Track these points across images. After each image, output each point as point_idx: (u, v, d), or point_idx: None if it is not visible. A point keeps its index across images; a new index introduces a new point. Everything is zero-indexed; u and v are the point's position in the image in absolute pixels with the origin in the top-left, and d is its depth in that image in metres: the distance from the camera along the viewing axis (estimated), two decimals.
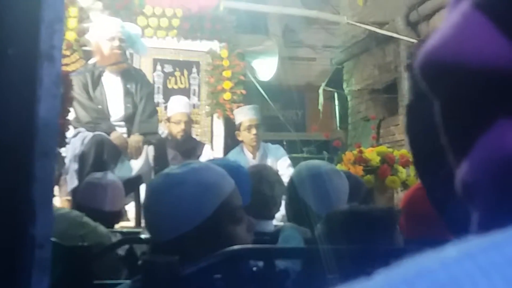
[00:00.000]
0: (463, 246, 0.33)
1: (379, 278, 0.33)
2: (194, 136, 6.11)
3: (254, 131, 5.41)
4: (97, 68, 4.84)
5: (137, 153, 4.67)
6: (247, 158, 5.41)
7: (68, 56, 6.13)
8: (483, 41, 0.40)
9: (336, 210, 1.94)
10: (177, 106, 5.21)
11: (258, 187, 2.95)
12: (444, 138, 0.44)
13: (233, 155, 5.47)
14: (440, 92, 0.43)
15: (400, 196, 4.87)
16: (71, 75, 4.45)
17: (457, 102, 0.42)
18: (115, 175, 3.52)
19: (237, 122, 5.58)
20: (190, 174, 1.74)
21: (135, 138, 4.68)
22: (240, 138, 5.55)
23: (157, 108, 6.28)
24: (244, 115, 5.49)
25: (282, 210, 3.20)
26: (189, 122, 5.21)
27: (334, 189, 2.68)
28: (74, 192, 4.37)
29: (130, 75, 4.93)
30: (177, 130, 5.10)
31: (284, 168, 5.22)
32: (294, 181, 2.74)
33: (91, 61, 5.12)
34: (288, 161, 5.50)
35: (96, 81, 4.79)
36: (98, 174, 3.33)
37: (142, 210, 1.93)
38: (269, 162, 5.33)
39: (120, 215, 3.30)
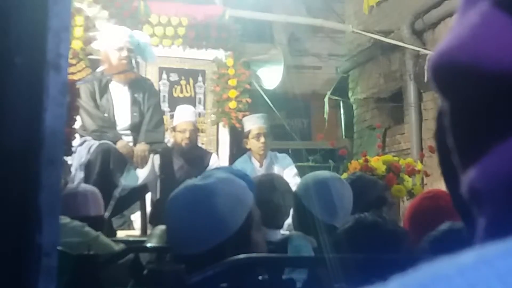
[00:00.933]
0: (479, 252, 0.33)
1: (394, 283, 0.33)
2: (200, 145, 6.11)
3: (262, 139, 5.43)
4: (104, 76, 4.85)
5: (142, 162, 4.67)
6: (254, 166, 5.42)
7: (74, 65, 6.14)
8: (505, 42, 0.39)
9: (359, 222, 1.93)
10: (182, 115, 5.22)
11: (269, 196, 2.96)
12: (451, 140, 0.44)
13: (240, 163, 5.47)
14: (453, 94, 0.43)
15: (406, 205, 4.86)
16: (77, 83, 4.46)
17: (471, 106, 0.41)
18: (88, 185, 3.55)
19: (245, 130, 5.59)
20: (219, 185, 1.76)
21: (141, 147, 4.68)
22: (248, 146, 5.55)
23: (164, 117, 6.31)
24: (253, 123, 5.50)
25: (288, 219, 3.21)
26: (195, 130, 5.22)
27: (338, 198, 2.69)
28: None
29: (138, 84, 4.94)
30: (182, 138, 5.10)
31: (290, 177, 5.22)
32: (300, 191, 2.75)
33: (98, 70, 5.13)
34: (295, 170, 5.50)
35: (104, 90, 4.80)
36: (71, 186, 3.39)
37: (168, 224, 1.91)
38: (276, 171, 5.33)
39: (98, 222, 3.28)
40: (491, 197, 0.40)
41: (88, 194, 3.17)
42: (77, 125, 4.39)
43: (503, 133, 0.39)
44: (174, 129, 5.21)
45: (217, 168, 3.08)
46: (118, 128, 4.79)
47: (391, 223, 1.92)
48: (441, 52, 0.43)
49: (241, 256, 1.65)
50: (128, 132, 4.83)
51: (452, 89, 0.42)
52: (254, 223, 1.80)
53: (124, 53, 4.79)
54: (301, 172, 5.41)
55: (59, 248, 1.25)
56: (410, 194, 4.80)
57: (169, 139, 5.33)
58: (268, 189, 3.00)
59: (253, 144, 5.47)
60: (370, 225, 1.86)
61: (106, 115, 4.74)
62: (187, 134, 5.09)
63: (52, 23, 1.28)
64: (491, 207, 0.40)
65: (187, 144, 5.09)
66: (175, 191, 1.87)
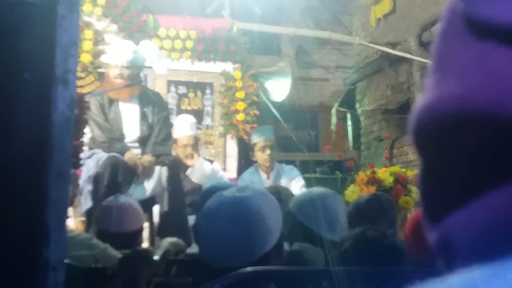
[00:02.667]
0: (466, 276, 0.34)
1: None
2: (207, 157, 6.12)
3: (268, 151, 5.43)
4: (114, 89, 4.87)
5: (147, 173, 4.68)
6: (261, 178, 5.42)
7: (83, 78, 6.19)
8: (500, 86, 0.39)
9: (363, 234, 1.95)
10: (182, 129, 5.23)
11: None
12: (421, 195, 0.45)
13: (247, 175, 5.48)
14: (434, 147, 0.43)
15: (409, 217, 4.85)
16: (85, 97, 4.48)
17: (452, 158, 0.41)
18: (128, 196, 3.52)
19: (251, 143, 5.60)
20: (259, 199, 1.80)
21: (147, 158, 4.69)
22: (254, 159, 5.56)
23: (171, 130, 6.32)
24: (258, 136, 5.51)
25: None
26: (196, 144, 5.23)
27: (334, 213, 2.73)
28: (89, 214, 4.39)
29: (146, 98, 4.94)
30: (184, 154, 5.12)
31: (297, 189, 5.22)
32: (294, 209, 2.80)
33: None
34: (302, 182, 5.50)
35: (112, 103, 4.82)
36: (113, 197, 3.34)
37: (204, 237, 1.89)
38: (283, 182, 5.34)
39: (140, 234, 3.30)
40: (464, 250, 0.40)
41: (129, 209, 3.19)
42: (86, 137, 4.41)
43: (480, 187, 0.39)
44: (175, 142, 5.22)
45: (219, 184, 3.11)
46: (126, 140, 4.80)
47: (391, 236, 1.93)
48: (427, 105, 0.43)
49: (248, 268, 1.65)
50: (137, 144, 4.84)
51: (434, 142, 0.42)
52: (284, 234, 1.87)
53: (116, 72, 4.77)
54: (308, 183, 5.42)
55: (67, 261, 1.27)
56: (418, 205, 4.79)
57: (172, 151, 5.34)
58: None
59: (259, 156, 5.47)
60: (372, 239, 1.87)
61: (115, 127, 4.76)
62: (188, 150, 5.11)
63: (60, 39, 1.30)
64: (462, 260, 0.40)
65: (187, 159, 5.12)
66: (211, 204, 1.86)
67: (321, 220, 2.62)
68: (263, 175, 5.47)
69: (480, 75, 0.40)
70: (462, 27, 0.42)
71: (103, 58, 6.27)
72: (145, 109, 4.89)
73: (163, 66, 5.21)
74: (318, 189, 2.95)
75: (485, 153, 0.40)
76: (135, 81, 4.86)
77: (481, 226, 0.39)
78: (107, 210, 3.15)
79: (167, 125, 5.08)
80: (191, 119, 5.42)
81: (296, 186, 5.34)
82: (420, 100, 0.44)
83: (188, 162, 5.21)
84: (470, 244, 0.40)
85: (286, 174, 5.52)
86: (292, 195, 3.34)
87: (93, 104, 4.74)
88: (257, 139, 5.49)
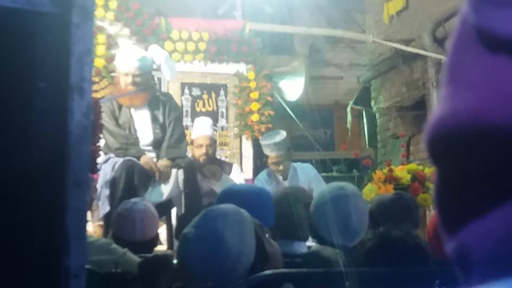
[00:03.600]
0: None
1: None
2: (223, 158, 6.11)
3: (281, 167, 5.38)
4: (126, 93, 4.87)
5: (165, 178, 4.69)
6: (277, 179, 5.41)
7: (97, 82, 6.21)
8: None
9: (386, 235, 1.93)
10: (199, 129, 5.22)
11: (294, 209, 2.97)
12: (440, 203, 0.44)
13: (263, 176, 5.46)
14: (450, 159, 0.43)
15: (432, 214, 4.83)
16: (100, 101, 4.49)
17: (468, 169, 0.41)
18: (145, 200, 3.51)
19: (264, 153, 5.53)
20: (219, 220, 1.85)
21: (163, 163, 4.70)
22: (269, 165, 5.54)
23: (186, 131, 6.32)
24: (270, 151, 5.41)
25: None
26: (212, 145, 5.20)
27: (355, 210, 2.73)
28: (107, 218, 4.40)
29: (158, 101, 4.94)
30: (200, 153, 5.11)
31: (318, 182, 5.26)
32: (314, 217, 2.80)
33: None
34: (321, 179, 5.47)
35: (123, 107, 4.83)
36: (128, 204, 3.31)
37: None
38: (301, 181, 5.32)
39: (155, 241, 3.30)
40: (481, 261, 0.40)
41: (149, 216, 3.18)
42: (101, 143, 4.42)
43: (496, 198, 0.39)
44: (192, 143, 5.22)
45: (235, 185, 3.12)
46: (141, 144, 4.81)
47: (416, 236, 1.91)
48: (441, 118, 0.43)
49: (268, 272, 1.65)
50: (151, 148, 4.85)
51: (449, 155, 0.42)
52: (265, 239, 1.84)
53: (129, 79, 4.77)
54: (326, 183, 5.40)
55: (87, 267, 1.27)
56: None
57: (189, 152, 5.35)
58: (292, 202, 3.01)
59: (273, 167, 5.44)
60: (397, 239, 1.86)
61: (127, 132, 4.76)
62: (203, 150, 5.09)
63: (75, 48, 1.30)
64: (479, 270, 0.40)
65: (204, 160, 5.10)
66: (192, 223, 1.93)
67: (333, 225, 2.62)
68: (279, 176, 5.45)
69: (493, 88, 0.40)
70: (475, 40, 0.42)
71: (115, 62, 6.30)
72: (155, 112, 4.89)
73: (172, 72, 5.19)
74: (333, 188, 2.92)
75: (500, 165, 0.40)
76: (146, 86, 4.86)
77: (497, 238, 0.39)
78: (127, 218, 3.12)
79: (180, 126, 5.08)
80: (207, 120, 5.40)
81: (317, 184, 5.33)
82: (434, 112, 0.44)
83: (202, 161, 5.18)
84: (486, 255, 0.40)
85: (302, 173, 5.49)
86: (309, 195, 3.32)
87: (104, 111, 4.74)
88: (269, 153, 5.41)
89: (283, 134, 5.50)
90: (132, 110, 4.85)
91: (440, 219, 0.45)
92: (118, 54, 5.17)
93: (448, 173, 0.43)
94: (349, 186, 2.95)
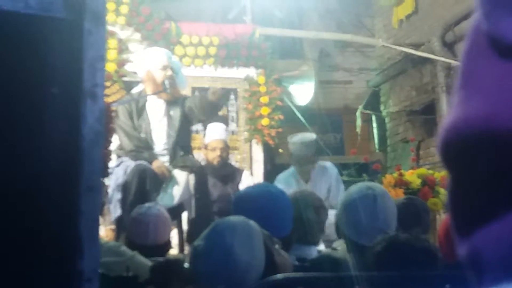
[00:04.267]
0: None
1: None
2: (233, 162, 6.12)
3: (305, 168, 5.40)
4: (142, 97, 4.90)
5: (164, 177, 4.70)
6: (299, 182, 5.41)
7: (108, 87, 6.23)
8: None
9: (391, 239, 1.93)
10: (213, 134, 5.24)
11: (304, 213, 2.97)
12: (453, 207, 0.45)
13: (284, 177, 5.45)
14: (464, 163, 0.43)
15: (442, 219, 4.81)
16: (114, 104, 4.52)
17: (482, 173, 0.42)
18: (159, 205, 3.50)
19: (290, 151, 5.53)
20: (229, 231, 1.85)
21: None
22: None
23: (196, 135, 6.34)
24: (297, 149, 5.43)
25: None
26: (226, 148, 5.22)
27: (382, 210, 2.71)
28: (118, 222, 4.42)
29: (174, 104, 4.97)
30: (213, 156, 5.12)
31: (338, 189, 5.30)
32: (344, 204, 2.78)
33: (135, 91, 5.18)
34: (341, 181, 5.49)
35: (141, 111, 4.85)
36: (142, 209, 3.32)
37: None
38: (323, 184, 5.35)
39: (168, 245, 3.31)
40: (493, 264, 0.41)
41: (163, 221, 3.20)
42: (113, 146, 4.44)
43: (509, 203, 0.40)
44: (205, 147, 5.24)
45: (253, 186, 3.10)
46: (155, 148, 4.83)
47: (423, 240, 1.91)
48: (453, 123, 0.44)
49: (279, 276, 1.66)
50: (165, 152, 4.87)
51: (462, 159, 0.43)
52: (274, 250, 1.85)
53: (169, 72, 4.85)
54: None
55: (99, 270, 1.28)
56: (446, 207, 4.74)
57: (202, 157, 5.36)
58: (302, 206, 3.01)
59: (297, 167, 5.46)
60: (404, 242, 1.86)
61: (143, 135, 4.78)
62: (217, 152, 5.10)
63: (87, 53, 1.31)
64: (491, 274, 0.41)
65: (218, 162, 5.10)
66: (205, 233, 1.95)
67: (359, 224, 2.60)
68: (301, 179, 5.46)
69: (504, 93, 0.41)
70: (487, 47, 0.42)
71: (127, 67, 6.33)
72: (172, 113, 4.91)
73: (184, 82, 5.25)
74: (361, 188, 2.91)
75: None
76: (170, 86, 4.88)
77: (510, 241, 0.40)
78: (142, 223, 3.14)
79: (190, 131, 5.14)
80: (221, 125, 5.44)
81: (336, 188, 5.37)
82: (447, 118, 0.45)
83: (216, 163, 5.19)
84: (499, 259, 0.40)
85: (325, 174, 5.50)
86: (320, 199, 3.32)
87: (121, 112, 4.77)
88: (297, 153, 5.42)
89: (313, 136, 5.59)
90: (150, 113, 4.86)
91: (453, 223, 0.45)
92: (147, 52, 5.21)
93: (460, 177, 0.44)
94: (377, 186, 2.93)
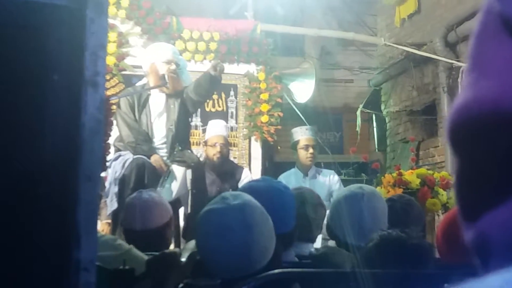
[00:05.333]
0: (505, 275, 0.33)
1: None
2: (231, 159, 6.11)
3: (310, 150, 5.47)
4: (145, 90, 4.89)
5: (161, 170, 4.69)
6: (299, 177, 5.45)
7: (108, 80, 6.22)
8: None
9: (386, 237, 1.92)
10: (213, 130, 5.24)
11: (301, 210, 2.96)
12: (460, 191, 0.44)
13: (284, 177, 5.47)
14: (474, 146, 0.43)
15: (441, 219, 4.81)
16: (113, 98, 4.51)
17: (490, 157, 0.41)
18: (152, 191, 3.44)
19: (293, 140, 5.59)
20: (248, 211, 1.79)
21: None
22: (294, 157, 5.59)
23: (195, 131, 6.33)
24: (302, 134, 5.53)
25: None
26: (226, 145, 5.22)
27: (369, 209, 2.71)
28: (115, 215, 4.40)
29: (174, 97, 4.96)
30: (213, 152, 5.12)
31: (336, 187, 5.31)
32: (334, 204, 2.77)
33: (139, 83, 5.17)
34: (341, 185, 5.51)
35: (143, 104, 4.84)
36: (134, 194, 3.25)
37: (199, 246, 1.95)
38: (322, 184, 5.37)
39: (162, 231, 3.19)
40: (500, 248, 0.40)
41: (152, 205, 3.12)
42: (111, 139, 4.43)
43: None
44: (205, 143, 5.23)
45: (256, 180, 3.07)
46: (155, 141, 4.83)
47: (416, 237, 1.90)
48: (463, 105, 0.43)
49: (277, 271, 1.65)
50: (164, 145, 4.86)
51: (471, 142, 0.42)
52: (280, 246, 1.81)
53: (173, 66, 4.85)
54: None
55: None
56: (445, 208, 4.74)
57: (201, 153, 5.35)
58: (300, 203, 3.00)
59: (301, 154, 5.49)
60: (395, 240, 1.85)
61: (144, 128, 4.78)
62: (218, 148, 5.10)
63: (89, 42, 1.30)
64: (499, 258, 0.40)
65: (218, 158, 5.10)
66: (203, 211, 1.87)
67: (347, 224, 2.60)
68: (300, 174, 5.50)
69: None
70: (499, 28, 0.42)
71: (127, 60, 6.32)
72: (172, 106, 4.91)
73: (189, 78, 5.25)
74: (350, 188, 2.91)
75: None
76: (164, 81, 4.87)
77: None
78: (131, 206, 3.12)
79: (188, 124, 5.14)
80: (221, 122, 5.47)
81: (335, 185, 5.39)
82: (457, 99, 0.44)
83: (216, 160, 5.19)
84: (506, 243, 0.40)
85: (326, 176, 5.53)
86: (318, 197, 3.31)
87: (123, 103, 4.78)
88: (300, 137, 5.52)
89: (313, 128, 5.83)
90: (152, 107, 4.86)
91: (460, 208, 0.45)
92: (153, 46, 5.20)
93: (468, 161, 0.43)
94: (367, 187, 2.95)
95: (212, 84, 4.83)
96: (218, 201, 1.89)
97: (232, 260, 1.76)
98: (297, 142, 5.53)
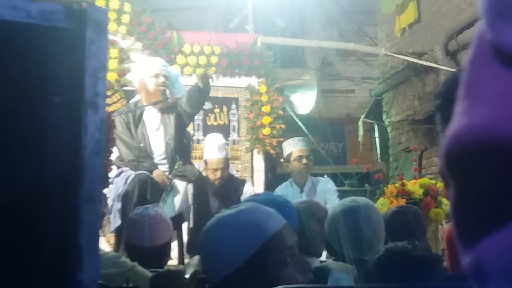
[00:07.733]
0: None
1: None
2: (234, 172, 6.11)
3: (304, 161, 5.43)
4: (138, 107, 4.90)
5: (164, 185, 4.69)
6: (294, 192, 5.41)
7: (109, 96, 6.23)
8: None
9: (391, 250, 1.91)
10: (212, 152, 5.16)
11: (307, 224, 2.95)
12: (454, 222, 0.45)
13: (280, 190, 5.46)
14: (468, 172, 0.43)
15: (445, 228, 4.79)
16: (112, 115, 4.51)
17: (486, 182, 0.41)
18: (157, 206, 3.43)
19: (286, 153, 5.57)
20: (234, 216, 1.74)
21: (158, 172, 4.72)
22: (289, 170, 5.56)
23: (197, 145, 6.33)
24: (294, 146, 5.51)
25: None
26: (226, 167, 5.19)
27: (366, 222, 2.70)
28: (118, 232, 4.40)
29: (169, 111, 4.97)
30: (214, 178, 5.10)
31: (333, 203, 5.25)
32: (330, 218, 2.77)
33: (132, 100, 5.19)
34: (336, 193, 5.48)
35: (138, 120, 4.85)
36: (139, 210, 3.23)
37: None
38: (318, 194, 5.34)
39: (166, 248, 3.19)
40: (497, 274, 0.40)
41: (160, 221, 3.11)
42: (113, 156, 4.43)
43: None
44: (205, 162, 5.19)
45: (257, 194, 3.05)
46: (154, 156, 4.83)
47: (422, 249, 1.90)
48: (457, 132, 0.43)
49: (280, 287, 1.64)
50: (165, 161, 4.86)
51: (465, 169, 0.43)
52: (277, 255, 1.73)
53: (161, 79, 4.85)
54: (338, 196, 5.41)
55: (98, 281, 1.27)
56: (449, 217, 4.72)
57: (203, 167, 5.34)
58: (306, 216, 2.99)
59: (295, 166, 5.46)
60: (400, 252, 1.84)
61: (142, 145, 4.78)
62: (218, 174, 5.08)
63: (89, 63, 1.31)
64: (495, 284, 0.40)
65: (219, 183, 5.09)
66: (206, 228, 1.87)
67: (344, 237, 2.59)
68: (297, 189, 5.46)
69: (508, 102, 0.41)
70: (491, 56, 0.42)
71: (131, 74, 6.34)
72: (168, 121, 4.91)
73: (182, 89, 5.23)
74: (345, 201, 2.90)
75: None
76: (165, 96, 4.88)
77: None
78: (137, 223, 3.08)
79: (188, 139, 5.14)
80: (220, 140, 5.30)
81: (331, 199, 5.34)
82: (451, 127, 0.45)
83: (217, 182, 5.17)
84: (503, 268, 0.40)
85: (321, 186, 5.50)
86: (325, 210, 3.30)
87: (118, 122, 4.76)
88: (293, 149, 5.50)
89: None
90: (147, 122, 4.87)
91: (457, 233, 0.45)
92: (141, 62, 5.23)
93: (464, 186, 0.44)
94: (361, 199, 2.93)
95: (202, 96, 4.86)
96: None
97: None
98: (290, 154, 5.51)
